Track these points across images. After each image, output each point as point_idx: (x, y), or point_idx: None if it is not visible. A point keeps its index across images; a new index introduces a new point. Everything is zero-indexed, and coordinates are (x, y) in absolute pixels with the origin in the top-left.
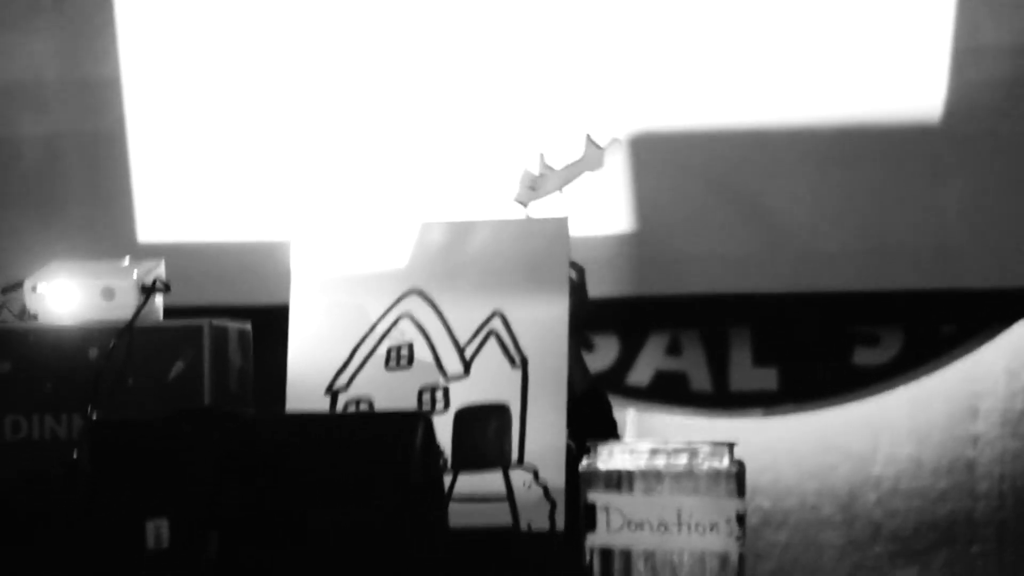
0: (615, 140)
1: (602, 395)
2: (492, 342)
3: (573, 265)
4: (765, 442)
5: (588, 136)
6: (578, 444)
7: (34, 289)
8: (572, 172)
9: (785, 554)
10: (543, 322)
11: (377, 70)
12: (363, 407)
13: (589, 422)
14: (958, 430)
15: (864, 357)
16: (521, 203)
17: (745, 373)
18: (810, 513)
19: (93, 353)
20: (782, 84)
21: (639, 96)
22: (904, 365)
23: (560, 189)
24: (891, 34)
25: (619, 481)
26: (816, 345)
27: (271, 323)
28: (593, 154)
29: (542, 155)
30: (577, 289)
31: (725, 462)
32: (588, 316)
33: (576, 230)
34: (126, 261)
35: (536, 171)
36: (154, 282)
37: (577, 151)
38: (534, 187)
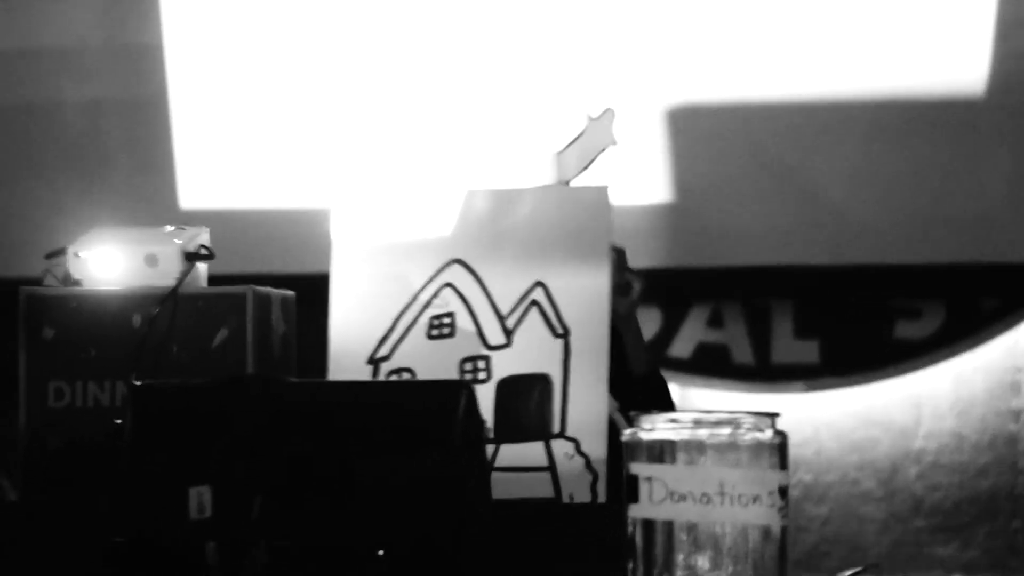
0: (608, 110)
1: (660, 377)
2: (534, 312)
3: (612, 247)
4: (806, 415)
5: (586, 114)
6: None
7: (77, 255)
8: (587, 150)
9: (826, 528)
10: (585, 292)
11: (420, 35)
12: (405, 377)
13: (648, 404)
14: (1000, 404)
15: (906, 330)
16: (563, 182)
17: (787, 346)
18: (851, 487)
19: (136, 320)
20: (824, 56)
21: (680, 67)
22: (946, 339)
23: (583, 169)
24: (935, 5)
25: (661, 452)
26: (858, 318)
27: (314, 291)
28: (598, 129)
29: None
30: (620, 268)
31: (768, 433)
32: (641, 293)
33: (617, 200)
34: (169, 228)
35: (566, 148)
36: (198, 249)
37: (578, 127)
38: (560, 166)
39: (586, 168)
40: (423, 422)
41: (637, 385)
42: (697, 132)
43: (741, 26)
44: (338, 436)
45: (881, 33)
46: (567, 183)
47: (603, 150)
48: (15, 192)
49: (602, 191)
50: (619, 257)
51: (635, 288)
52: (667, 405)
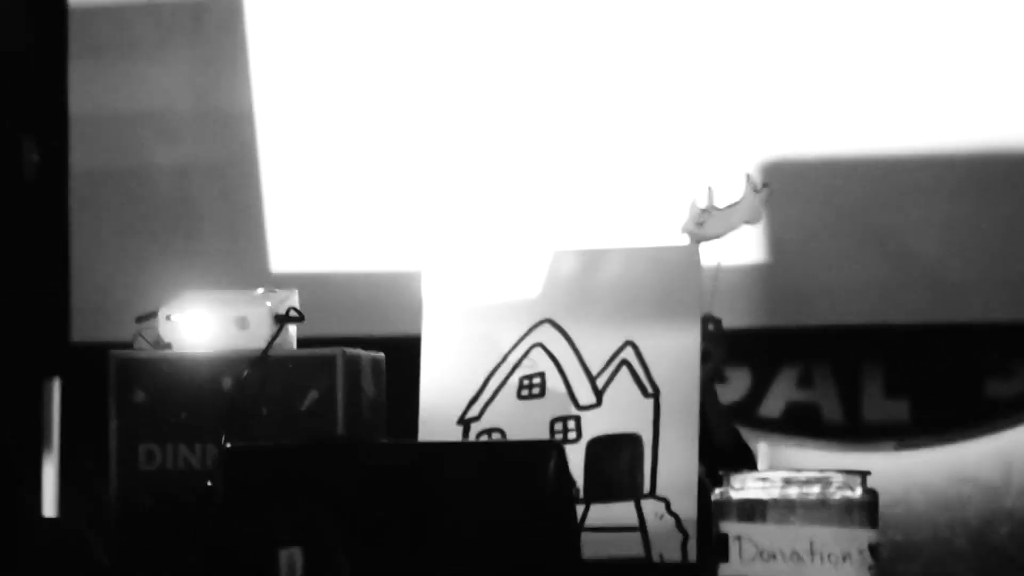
0: (767, 186)
1: (746, 448)
2: (624, 372)
3: (711, 318)
4: (897, 474)
5: (748, 177)
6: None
7: (168, 318)
8: (734, 220)
9: None
10: (675, 351)
11: (508, 101)
12: (495, 437)
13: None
14: None
15: (996, 389)
16: (688, 233)
17: (877, 404)
18: (942, 546)
19: (227, 382)
20: (913, 112)
21: (769, 124)
22: None
23: (721, 236)
24: None
25: (752, 511)
26: (948, 376)
27: (403, 353)
28: (752, 201)
29: (710, 189)
30: (719, 339)
31: (858, 491)
32: (722, 362)
33: (707, 260)
34: (259, 291)
35: (702, 204)
36: (288, 311)
37: (735, 192)
38: (699, 223)
39: (723, 235)
40: (513, 482)
41: (720, 456)
42: (786, 189)
43: (833, 82)
44: (428, 497)
45: (973, 87)
46: (700, 241)
47: (747, 223)
48: (106, 256)
49: (693, 250)
50: (717, 327)
51: (714, 357)
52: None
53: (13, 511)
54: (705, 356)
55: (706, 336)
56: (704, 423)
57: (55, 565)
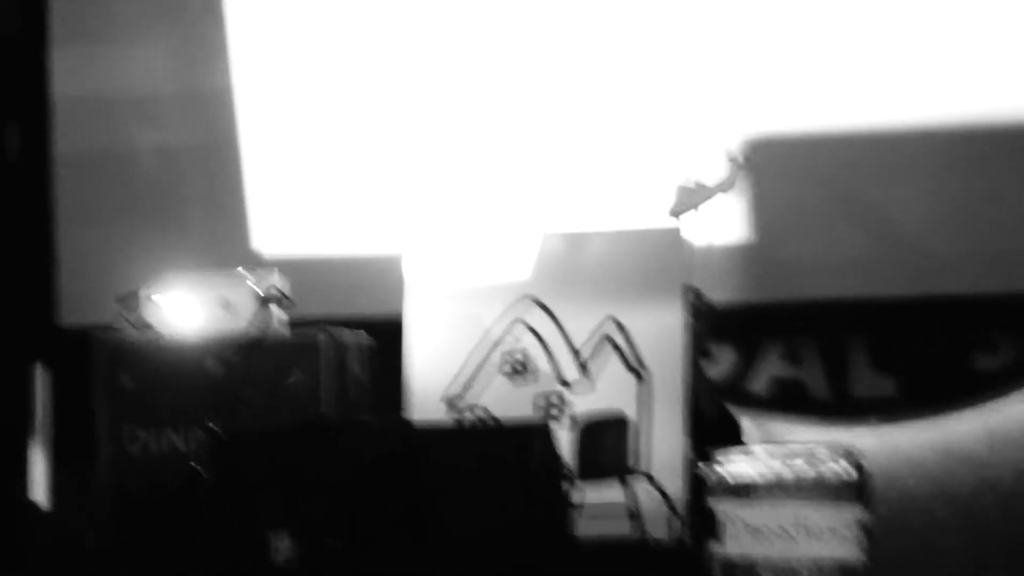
0: (742, 159)
1: (731, 415)
2: (608, 349)
3: (693, 290)
4: (883, 448)
5: (729, 152)
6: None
7: (150, 298)
8: (710, 191)
9: (905, 561)
10: (661, 331)
11: (489, 81)
12: (481, 415)
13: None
14: None
15: (982, 362)
16: (674, 215)
17: (863, 380)
18: (928, 518)
19: (212, 365)
20: (898, 87)
21: (755, 101)
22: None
23: (696, 206)
24: (1011, 34)
25: (740, 489)
26: (934, 351)
27: (386, 335)
28: (727, 172)
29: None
30: (702, 312)
31: (846, 468)
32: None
33: (692, 239)
34: (239, 269)
35: (689, 184)
36: (269, 291)
37: (718, 168)
38: (685, 201)
39: (697, 207)
40: (501, 461)
41: (706, 427)
42: (770, 165)
43: (814, 58)
44: (416, 476)
45: (956, 61)
46: (678, 214)
47: (721, 192)
48: (88, 237)
49: (676, 231)
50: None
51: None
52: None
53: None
54: (690, 329)
55: (689, 309)
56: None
57: (46, 549)
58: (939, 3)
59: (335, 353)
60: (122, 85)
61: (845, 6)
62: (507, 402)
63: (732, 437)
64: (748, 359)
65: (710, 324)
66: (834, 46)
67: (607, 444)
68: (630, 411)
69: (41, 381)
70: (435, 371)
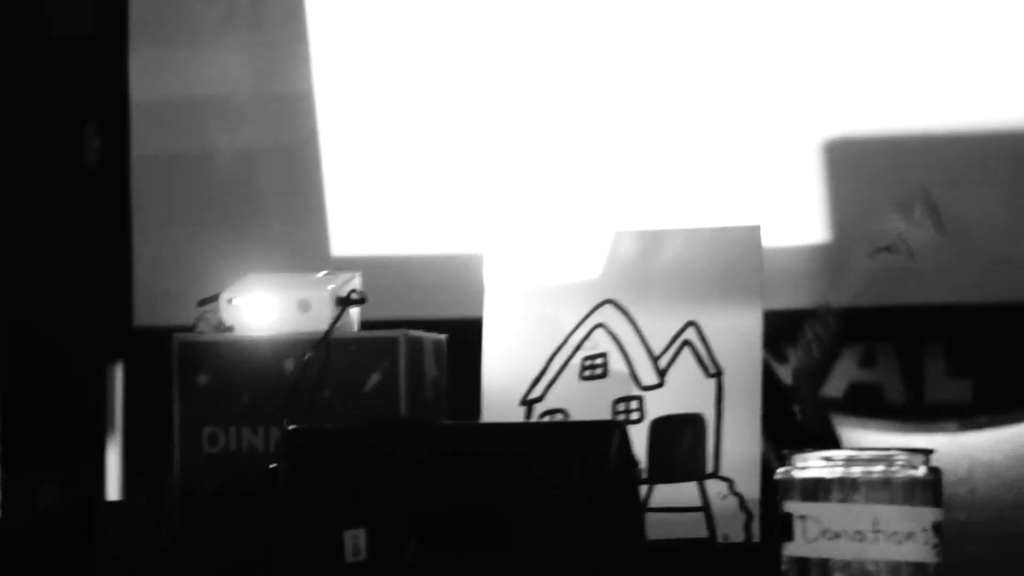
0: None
1: (834, 434)
2: (686, 352)
3: (827, 306)
4: (960, 454)
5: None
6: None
7: (230, 302)
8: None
9: (981, 568)
10: (737, 331)
11: (570, 82)
12: (558, 418)
13: None
14: None
15: None
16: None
17: (940, 384)
18: (1007, 526)
19: (289, 365)
20: (977, 87)
21: (829, 101)
22: None
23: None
24: None
25: (815, 490)
26: (1011, 355)
27: (464, 336)
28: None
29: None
30: (827, 327)
31: (921, 470)
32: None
33: (768, 240)
34: (322, 274)
35: (916, 211)
36: (350, 294)
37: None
38: (912, 229)
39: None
40: (576, 462)
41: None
42: (848, 167)
43: (892, 59)
44: (491, 477)
45: None
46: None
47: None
48: (168, 240)
49: (754, 231)
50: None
51: (819, 347)
52: None
53: (80, 495)
54: (808, 346)
55: (814, 325)
56: (792, 409)
57: (121, 549)
58: (1013, 3)
59: (412, 354)
60: (201, 87)
61: (924, 7)
62: (584, 405)
63: (826, 442)
64: (825, 363)
65: (832, 337)
66: (910, 47)
67: (682, 445)
68: (706, 413)
69: (119, 382)
70: (512, 373)
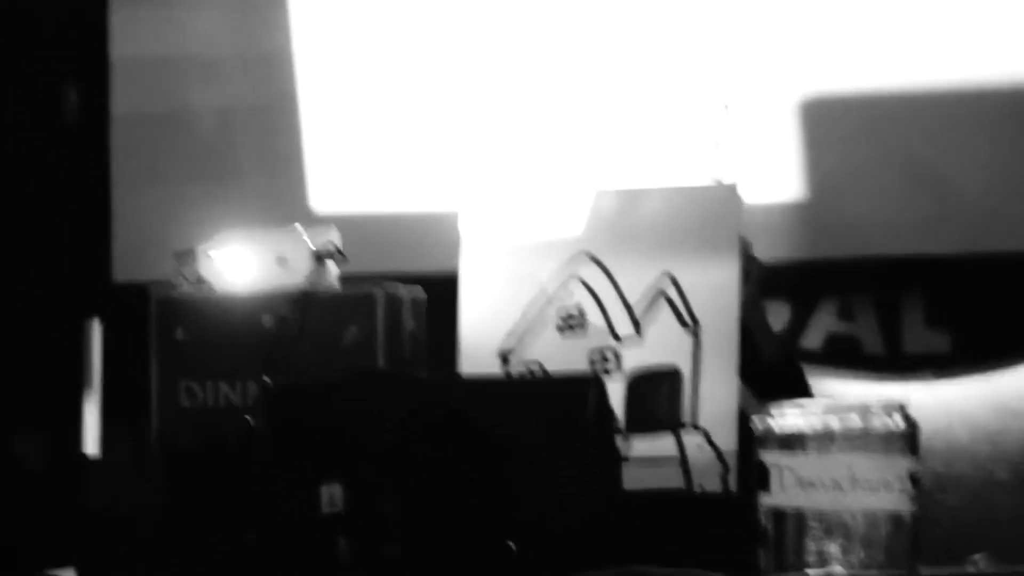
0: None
1: (796, 364)
2: (663, 304)
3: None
4: (937, 405)
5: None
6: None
7: (207, 255)
8: None
9: (957, 518)
10: (714, 286)
11: (547, 36)
12: (534, 369)
13: (784, 391)
14: None
15: None
16: None
17: (918, 336)
18: (983, 476)
19: (267, 320)
20: (954, 43)
21: (807, 59)
22: None
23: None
24: None
25: (792, 441)
26: (988, 306)
27: (441, 290)
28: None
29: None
30: (750, 259)
31: (898, 420)
32: (765, 282)
33: (747, 197)
34: (296, 226)
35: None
36: (327, 247)
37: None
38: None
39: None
40: (554, 415)
41: (770, 374)
42: (825, 124)
43: (869, 16)
44: (469, 431)
45: (1012, 18)
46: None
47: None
48: (145, 196)
49: (732, 189)
50: (746, 247)
51: (752, 274)
52: (804, 393)
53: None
54: (746, 275)
55: (743, 255)
56: (752, 343)
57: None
58: None
59: (390, 308)
60: (180, 45)
61: None
62: (560, 357)
63: (796, 379)
64: (803, 316)
65: (761, 280)
66: (889, 2)
67: (658, 397)
68: (683, 366)
69: (97, 337)
70: (489, 326)
